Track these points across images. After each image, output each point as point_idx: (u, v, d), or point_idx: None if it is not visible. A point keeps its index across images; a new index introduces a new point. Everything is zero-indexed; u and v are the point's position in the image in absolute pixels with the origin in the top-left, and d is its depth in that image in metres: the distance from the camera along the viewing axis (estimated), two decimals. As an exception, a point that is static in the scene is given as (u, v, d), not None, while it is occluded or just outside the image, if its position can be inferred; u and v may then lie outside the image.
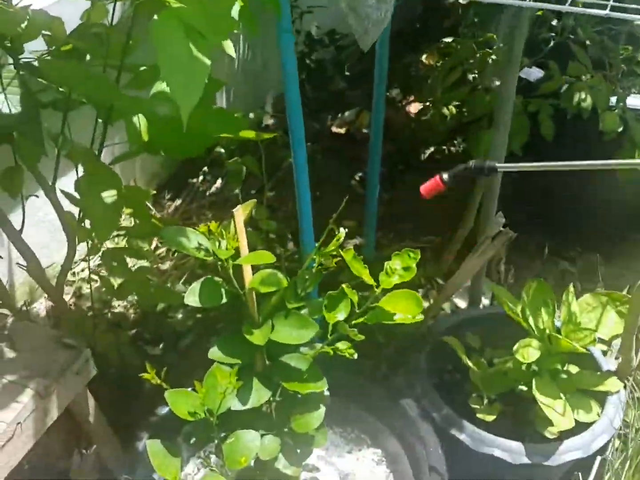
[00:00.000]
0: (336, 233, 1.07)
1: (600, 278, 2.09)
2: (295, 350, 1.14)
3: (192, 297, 1.00)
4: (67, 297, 2.13)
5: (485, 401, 1.35)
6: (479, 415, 1.31)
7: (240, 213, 1.01)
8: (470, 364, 1.35)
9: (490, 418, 1.29)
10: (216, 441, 1.04)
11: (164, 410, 1.29)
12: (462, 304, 2.00)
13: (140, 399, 1.73)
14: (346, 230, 1.08)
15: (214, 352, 1.04)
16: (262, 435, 1.10)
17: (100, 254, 1.49)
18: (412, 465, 1.26)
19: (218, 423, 1.01)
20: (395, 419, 1.33)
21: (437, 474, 1.18)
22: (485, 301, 1.79)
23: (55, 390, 1.11)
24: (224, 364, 1.04)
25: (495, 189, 1.55)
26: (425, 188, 1.33)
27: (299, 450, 1.14)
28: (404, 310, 1.05)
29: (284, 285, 1.04)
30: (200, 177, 2.66)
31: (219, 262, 1.01)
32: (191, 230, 1.01)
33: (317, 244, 1.08)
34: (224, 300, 1.01)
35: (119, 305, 2.10)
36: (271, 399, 1.12)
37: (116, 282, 1.41)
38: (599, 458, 1.39)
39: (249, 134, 1.22)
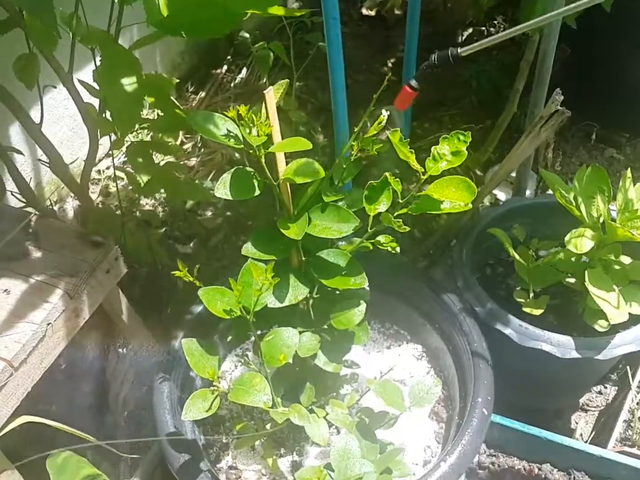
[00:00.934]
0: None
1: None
2: (332, 246, 1.08)
3: (222, 188, 0.92)
4: (94, 196, 2.08)
5: (531, 295, 1.29)
6: (525, 309, 1.25)
7: (272, 95, 0.92)
8: (516, 255, 1.27)
9: (538, 312, 1.24)
10: (253, 339, 1.00)
11: (198, 309, 1.25)
12: (502, 196, 1.91)
13: (174, 297, 1.71)
14: (388, 113, 0.99)
15: (248, 248, 0.98)
16: (300, 333, 1.06)
17: (124, 148, 1.41)
18: (455, 361, 1.22)
19: (255, 321, 0.97)
20: (436, 313, 1.28)
21: (481, 368, 1.14)
22: (528, 192, 1.70)
23: (85, 289, 1.07)
24: (259, 261, 0.98)
25: (546, 67, 1.41)
26: (398, 101, 1.26)
27: (338, 347, 1.10)
28: (454, 197, 0.97)
29: (322, 176, 0.96)
30: (224, 67, 2.53)
31: (250, 152, 0.93)
32: (219, 115, 0.93)
33: (355, 129, 0.99)
34: (257, 192, 0.94)
35: (147, 204, 2.05)
36: (309, 295, 1.07)
37: (142, 179, 1.34)
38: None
39: (279, 10, 1.10)
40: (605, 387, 1.52)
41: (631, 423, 1.38)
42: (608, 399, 1.50)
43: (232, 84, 2.48)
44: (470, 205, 0.95)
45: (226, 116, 0.92)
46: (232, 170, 0.94)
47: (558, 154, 1.76)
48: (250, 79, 2.50)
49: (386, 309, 1.36)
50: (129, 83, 1.13)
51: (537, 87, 1.43)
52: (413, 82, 1.22)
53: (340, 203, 1.09)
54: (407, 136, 2.09)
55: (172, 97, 1.35)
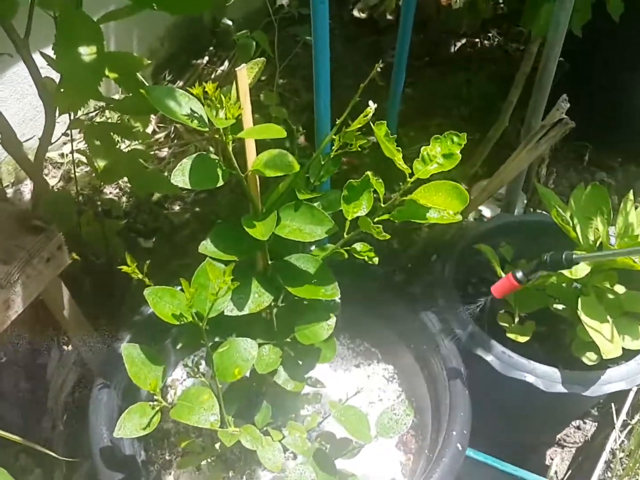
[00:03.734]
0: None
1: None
2: (303, 250, 0.97)
3: (180, 175, 0.80)
4: (54, 181, 1.95)
5: (517, 319, 1.19)
6: (509, 335, 1.15)
7: (245, 74, 0.80)
8: (504, 275, 1.17)
9: (524, 339, 1.13)
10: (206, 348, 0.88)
11: (149, 310, 1.13)
12: (487, 212, 1.82)
13: (130, 295, 1.58)
14: (375, 107, 0.88)
15: (207, 246, 0.86)
16: (260, 345, 0.94)
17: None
18: (429, 386, 1.11)
19: (208, 328, 0.85)
20: (413, 332, 1.17)
21: (458, 397, 1.03)
22: (516, 209, 1.60)
23: (19, 279, 0.95)
24: (218, 261, 0.86)
25: (548, 73, 1.30)
26: (497, 289, 1.09)
27: (301, 364, 0.98)
28: (442, 204, 0.86)
29: (295, 170, 0.84)
30: (206, 58, 2.41)
31: (216, 136, 0.82)
32: (183, 92, 0.81)
33: (337, 122, 0.88)
34: (220, 182, 0.82)
35: (110, 193, 1.92)
36: (273, 304, 0.95)
37: (99, 163, 1.21)
38: (634, 388, 1.24)
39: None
40: (585, 423, 1.43)
41: (611, 464, 1.28)
42: (587, 436, 1.41)
43: (212, 76, 2.36)
44: (460, 217, 0.84)
45: (191, 94, 0.80)
46: (194, 155, 0.82)
47: (552, 171, 1.67)
48: (232, 72, 2.38)
49: (357, 323, 1.24)
50: (87, 53, 1.01)
51: (537, 93, 1.33)
52: (519, 275, 1.06)
53: (315, 203, 0.99)
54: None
55: (140, 77, 1.23)
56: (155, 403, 0.84)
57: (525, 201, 1.61)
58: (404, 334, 1.18)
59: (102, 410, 1.01)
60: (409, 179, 0.88)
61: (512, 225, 1.34)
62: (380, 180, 0.91)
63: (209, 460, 1.06)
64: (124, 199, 1.89)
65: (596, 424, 1.41)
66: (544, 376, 1.07)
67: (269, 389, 1.01)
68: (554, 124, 1.06)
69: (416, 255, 1.38)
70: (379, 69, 0.88)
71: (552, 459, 1.37)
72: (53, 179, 1.94)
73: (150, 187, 1.65)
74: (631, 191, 1.11)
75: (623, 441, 1.29)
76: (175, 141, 2.12)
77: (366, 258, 0.94)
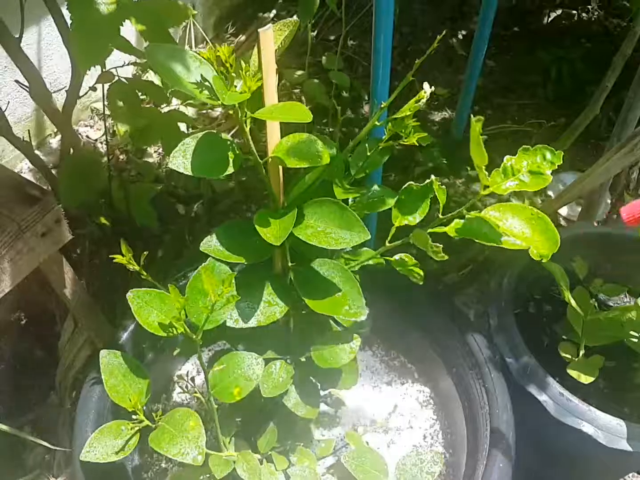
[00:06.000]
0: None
1: None
2: (331, 254, 0.81)
3: (181, 157, 0.65)
4: (98, 133, 1.84)
5: (581, 352, 1.00)
6: (570, 371, 0.97)
7: (270, 36, 0.64)
8: (572, 301, 0.98)
9: (587, 379, 0.95)
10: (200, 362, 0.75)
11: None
12: (564, 210, 1.61)
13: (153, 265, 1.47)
14: (432, 89, 0.70)
15: (211, 243, 0.72)
16: (269, 360, 0.80)
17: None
18: (467, 420, 0.95)
19: (211, 334, 0.72)
20: (456, 354, 1.00)
21: (498, 444, 0.86)
22: (599, 214, 1.39)
23: (7, 255, 0.83)
24: (223, 262, 0.72)
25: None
26: (629, 212, 0.89)
27: (316, 387, 0.84)
28: (522, 237, 0.67)
29: (324, 162, 0.68)
30: (273, 12, 2.24)
31: (230, 112, 0.66)
32: (193, 54, 0.65)
33: (389, 99, 0.71)
34: (230, 169, 0.67)
35: (155, 152, 1.81)
36: (291, 312, 0.81)
37: (119, 128, 1.08)
38: None
39: None
40: (637, 475, 1.23)
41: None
42: (650, 485, 1.22)
43: (278, 32, 2.19)
44: (545, 260, 0.65)
45: (202, 57, 0.65)
46: (201, 134, 0.67)
47: (645, 176, 1.45)
48: (299, 29, 2.20)
49: (394, 333, 1.09)
50: (105, 2, 0.86)
51: (638, 86, 1.11)
52: None
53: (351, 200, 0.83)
54: (464, 122, 1.80)
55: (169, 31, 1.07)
56: (135, 423, 0.71)
57: (610, 205, 1.39)
58: (445, 354, 1.02)
59: (92, 410, 0.89)
60: (482, 191, 0.70)
61: (591, 237, 1.14)
62: (444, 186, 0.74)
63: (205, 476, 0.94)
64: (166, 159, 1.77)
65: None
66: (606, 428, 0.89)
67: (277, 407, 0.87)
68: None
69: (471, 259, 1.20)
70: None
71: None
72: (97, 132, 1.84)
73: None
74: None
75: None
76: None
77: (413, 274, 0.78)
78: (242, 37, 2.14)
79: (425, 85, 0.69)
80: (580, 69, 1.93)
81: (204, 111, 1.93)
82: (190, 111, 1.85)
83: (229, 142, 0.68)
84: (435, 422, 1.02)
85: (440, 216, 0.72)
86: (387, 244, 0.77)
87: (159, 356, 1.03)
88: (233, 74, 0.65)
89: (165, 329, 0.69)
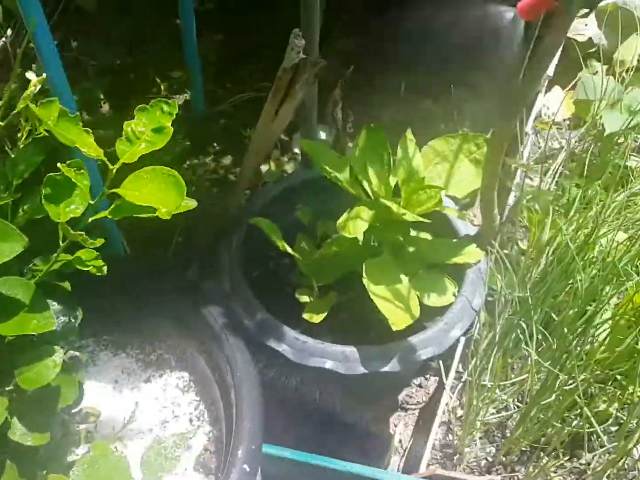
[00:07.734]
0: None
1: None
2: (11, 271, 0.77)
3: None
4: None
5: (316, 293, 1.04)
6: (305, 316, 1.00)
7: None
8: (289, 248, 1.01)
9: (319, 318, 0.99)
10: None
11: None
12: (290, 167, 1.65)
13: None
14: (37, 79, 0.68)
15: None
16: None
17: None
18: (222, 393, 0.96)
19: None
20: (199, 330, 1.00)
21: (244, 405, 0.88)
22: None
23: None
24: None
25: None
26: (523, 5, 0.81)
27: (39, 411, 0.80)
28: (152, 200, 0.69)
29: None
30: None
31: None
32: None
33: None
34: None
35: None
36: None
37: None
38: (463, 339, 1.14)
39: None
40: (427, 378, 1.32)
41: (450, 425, 1.19)
42: (429, 392, 1.31)
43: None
44: (169, 216, 0.67)
45: None
46: None
47: (350, 113, 1.51)
48: None
49: (146, 326, 1.07)
50: None
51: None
52: None
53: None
54: (201, 100, 1.80)
55: None
56: None
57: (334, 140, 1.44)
58: (191, 334, 1.02)
59: None
60: (111, 166, 0.70)
61: (308, 183, 1.18)
62: (83, 171, 0.73)
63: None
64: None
65: (437, 378, 1.31)
66: (343, 358, 0.94)
67: (7, 444, 0.82)
68: (295, 66, 0.89)
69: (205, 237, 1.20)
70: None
71: (395, 426, 1.27)
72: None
73: None
74: (409, 130, 0.96)
75: (460, 399, 1.19)
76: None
77: (92, 269, 0.77)
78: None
79: (29, 74, 0.67)
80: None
81: None
82: None
83: None
84: (200, 402, 1.01)
85: (92, 202, 0.71)
86: (62, 243, 0.74)
87: None
88: None
89: None
